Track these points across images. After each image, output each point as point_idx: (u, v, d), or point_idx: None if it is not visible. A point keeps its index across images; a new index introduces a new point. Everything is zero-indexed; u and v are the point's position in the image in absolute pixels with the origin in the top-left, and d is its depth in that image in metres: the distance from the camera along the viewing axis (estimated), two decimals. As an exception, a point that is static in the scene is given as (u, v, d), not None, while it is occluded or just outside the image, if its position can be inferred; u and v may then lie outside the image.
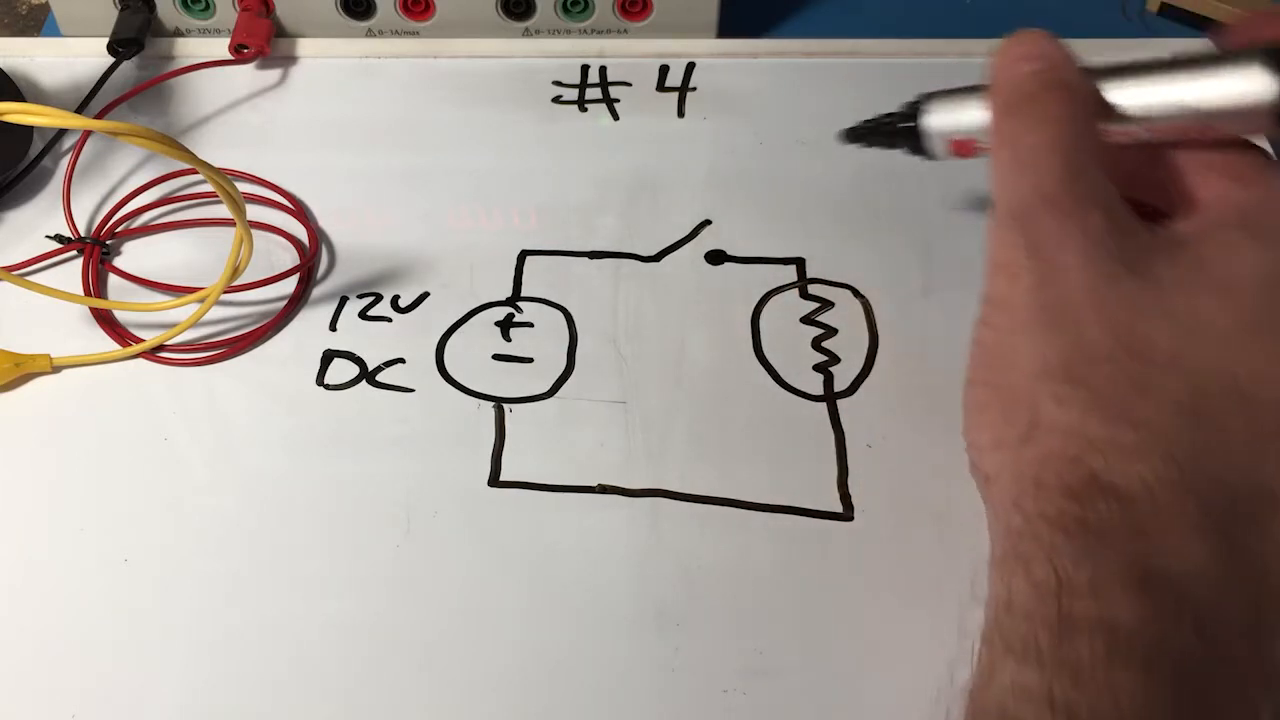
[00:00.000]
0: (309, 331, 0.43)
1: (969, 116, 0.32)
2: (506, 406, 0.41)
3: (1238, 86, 0.26)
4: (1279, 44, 0.26)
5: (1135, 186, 0.29)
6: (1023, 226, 0.26)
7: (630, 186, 0.48)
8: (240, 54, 0.52)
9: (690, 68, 0.52)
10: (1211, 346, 0.24)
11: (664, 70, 0.52)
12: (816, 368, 0.42)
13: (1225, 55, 0.27)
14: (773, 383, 0.41)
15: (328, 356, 0.43)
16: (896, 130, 0.33)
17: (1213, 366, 0.24)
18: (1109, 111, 0.27)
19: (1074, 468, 0.25)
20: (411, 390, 0.42)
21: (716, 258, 0.45)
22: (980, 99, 0.31)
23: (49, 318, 0.43)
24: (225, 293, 0.42)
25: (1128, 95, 0.28)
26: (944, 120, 0.32)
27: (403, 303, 0.44)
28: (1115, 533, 0.24)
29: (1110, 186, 0.26)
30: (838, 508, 0.38)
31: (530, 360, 0.42)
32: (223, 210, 0.47)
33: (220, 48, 0.52)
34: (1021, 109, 0.28)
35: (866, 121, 0.34)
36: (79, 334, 0.43)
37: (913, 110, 0.33)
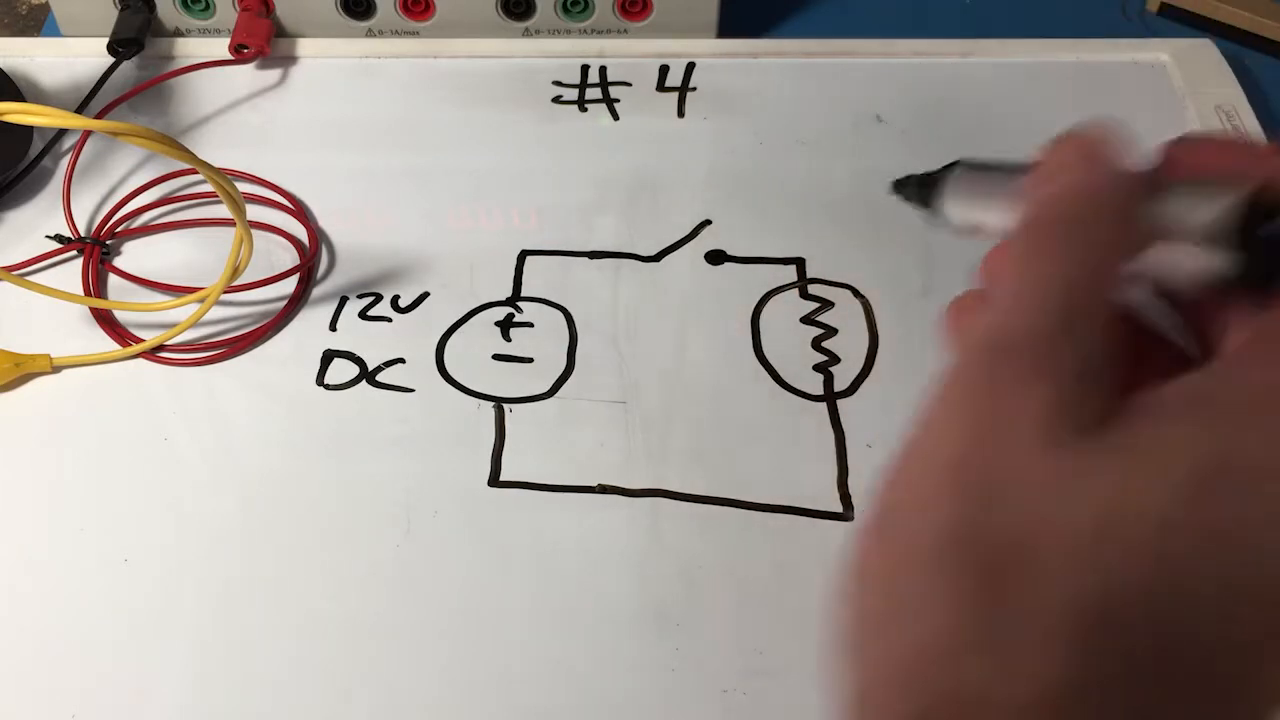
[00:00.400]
0: (309, 331, 0.43)
1: (990, 211, 0.28)
2: (506, 406, 0.41)
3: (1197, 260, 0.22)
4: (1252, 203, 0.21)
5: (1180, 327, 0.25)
6: (981, 363, 0.22)
7: (630, 186, 0.48)
8: (240, 54, 0.52)
9: (690, 68, 0.52)
10: (1132, 558, 0.20)
11: (664, 70, 0.52)
12: (816, 368, 0.42)
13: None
14: (773, 383, 0.41)
15: (328, 356, 0.43)
16: (925, 191, 0.29)
17: (1130, 581, 0.19)
18: (1145, 240, 0.23)
19: (932, 677, 0.21)
20: (411, 390, 0.42)
21: (716, 258, 0.45)
22: (1009, 191, 0.27)
23: (49, 318, 0.43)
24: (225, 293, 0.42)
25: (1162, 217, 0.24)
26: (964, 204, 0.28)
27: (403, 303, 0.44)
28: None
29: (1100, 341, 0.22)
30: (838, 508, 0.38)
31: (530, 360, 0.42)
32: (223, 210, 0.46)
33: (220, 48, 0.52)
34: (1038, 228, 0.23)
35: (912, 175, 0.30)
36: (79, 334, 0.43)
37: (938, 174, 0.30)
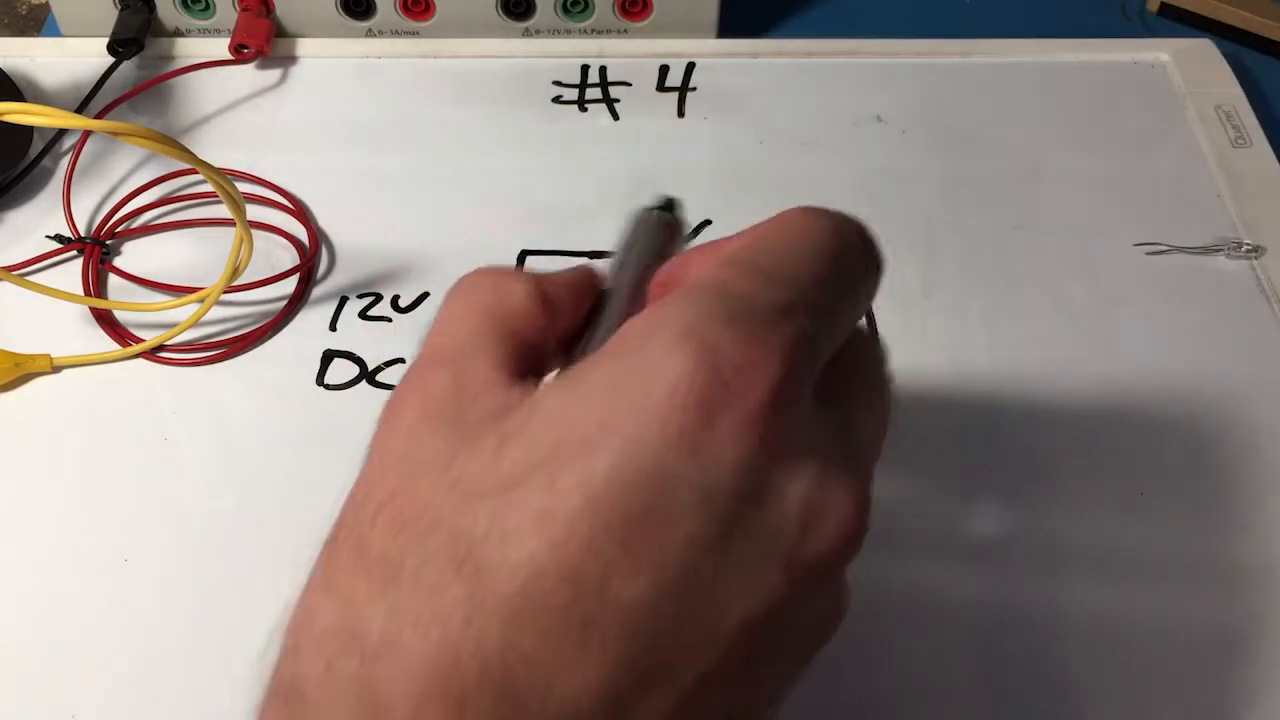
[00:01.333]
0: (309, 331, 0.43)
1: None
2: (506, 406, 0.41)
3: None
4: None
5: None
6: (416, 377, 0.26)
7: (630, 186, 0.48)
8: (240, 54, 0.52)
9: (690, 68, 0.52)
10: (464, 505, 0.21)
11: (664, 70, 0.52)
12: (816, 368, 0.42)
13: None
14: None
15: (328, 356, 0.43)
16: None
17: (457, 528, 0.20)
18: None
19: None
20: (411, 390, 0.41)
21: (716, 258, 0.45)
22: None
23: (49, 318, 0.43)
24: (225, 293, 0.42)
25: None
26: None
27: (403, 303, 0.44)
28: None
29: (486, 361, 0.25)
30: (838, 508, 0.38)
31: (530, 360, 0.42)
32: (223, 210, 0.46)
33: (220, 48, 0.52)
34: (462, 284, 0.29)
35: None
36: (79, 334, 0.43)
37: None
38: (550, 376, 0.25)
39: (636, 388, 0.20)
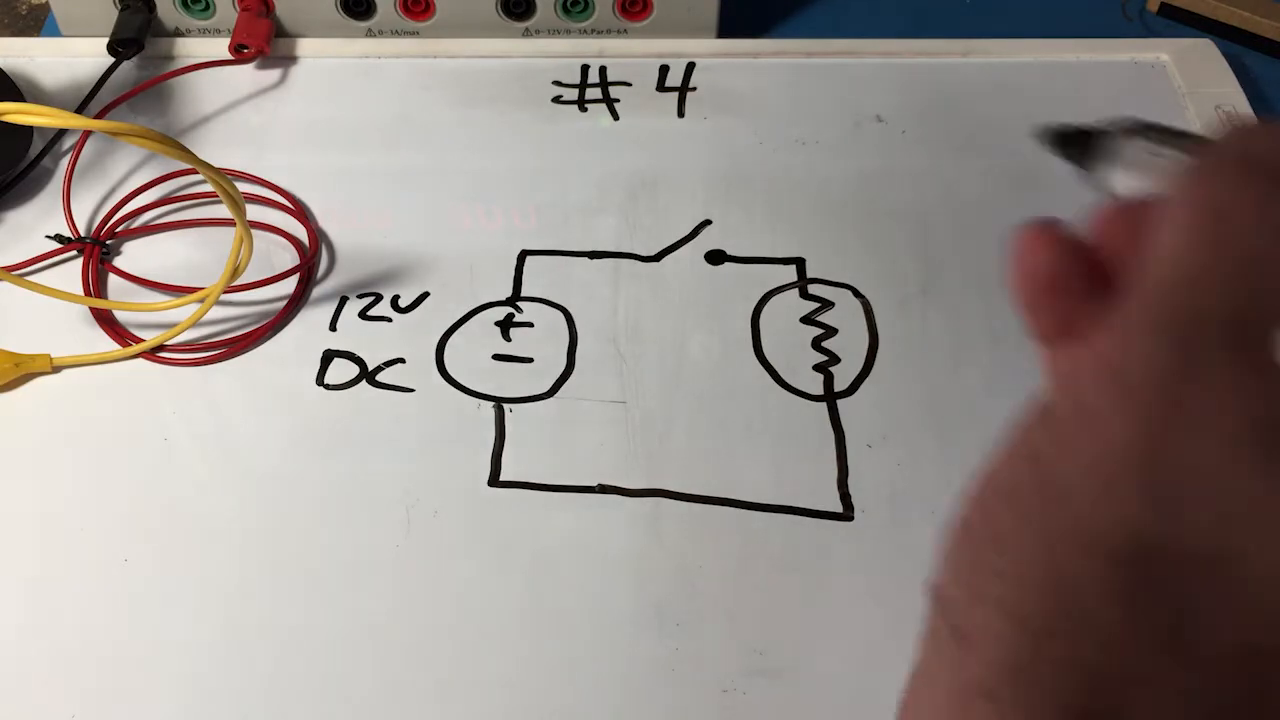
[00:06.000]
0: (309, 331, 0.43)
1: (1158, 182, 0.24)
2: (506, 406, 0.41)
3: None
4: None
5: None
6: (1180, 344, 0.18)
7: (630, 186, 0.48)
8: (240, 54, 0.52)
9: (690, 68, 0.52)
10: None
11: (664, 70, 0.52)
12: (816, 368, 0.42)
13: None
14: (773, 383, 0.41)
15: (328, 356, 0.43)
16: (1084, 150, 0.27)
17: None
18: None
19: (1095, 693, 0.18)
20: (411, 390, 0.42)
21: (716, 258, 0.45)
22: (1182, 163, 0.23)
23: (49, 318, 0.43)
24: (225, 293, 0.42)
25: None
26: (1136, 172, 0.25)
27: (403, 303, 0.44)
28: None
29: None
30: (838, 508, 0.38)
31: (530, 360, 0.42)
32: (223, 210, 0.46)
33: (220, 48, 0.52)
34: (1254, 188, 0.18)
35: (1073, 130, 0.27)
36: (79, 334, 0.43)
37: (1108, 134, 0.25)
38: None
39: None
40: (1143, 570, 0.18)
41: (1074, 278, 0.21)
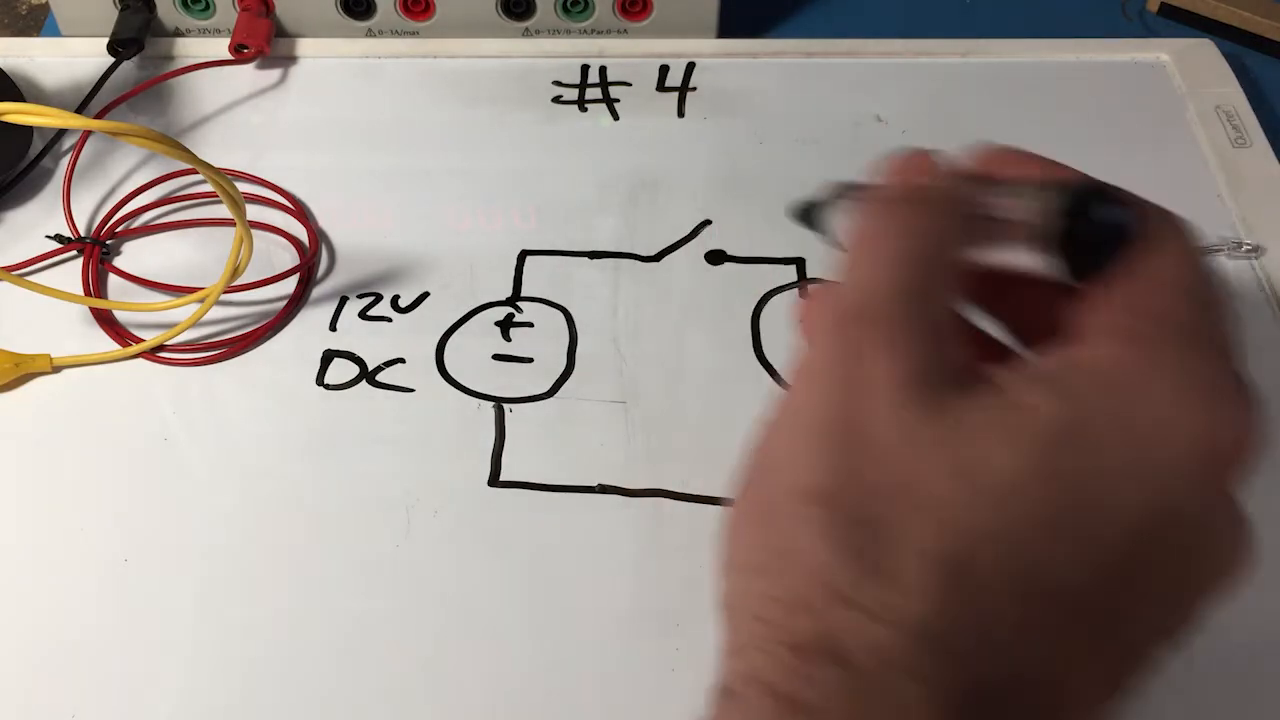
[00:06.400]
0: (309, 331, 0.43)
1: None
2: (506, 406, 0.41)
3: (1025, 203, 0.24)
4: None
5: (1009, 312, 0.27)
6: (840, 333, 0.23)
7: (630, 186, 0.48)
8: (240, 54, 0.52)
9: (690, 68, 0.52)
10: (990, 508, 0.21)
11: (664, 70, 0.52)
12: (816, 368, 0.42)
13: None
14: (773, 383, 0.41)
15: (328, 356, 0.43)
16: (814, 216, 0.31)
17: (989, 529, 0.21)
18: (979, 232, 0.25)
19: (806, 618, 0.21)
20: (411, 390, 0.42)
21: (716, 258, 0.45)
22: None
23: (49, 318, 0.43)
24: (225, 293, 0.42)
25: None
26: (838, 217, 0.30)
27: (403, 303, 0.44)
28: (829, 714, 0.20)
29: (946, 313, 0.24)
30: (838, 508, 0.38)
31: (530, 360, 0.42)
32: (223, 210, 0.46)
33: (220, 48, 0.52)
34: (878, 214, 0.25)
35: (809, 200, 0.31)
36: (79, 334, 0.43)
37: (821, 203, 0.31)
38: None
39: None
40: (833, 503, 0.22)
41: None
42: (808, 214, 0.31)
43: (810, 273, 0.45)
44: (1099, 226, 0.23)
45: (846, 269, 0.24)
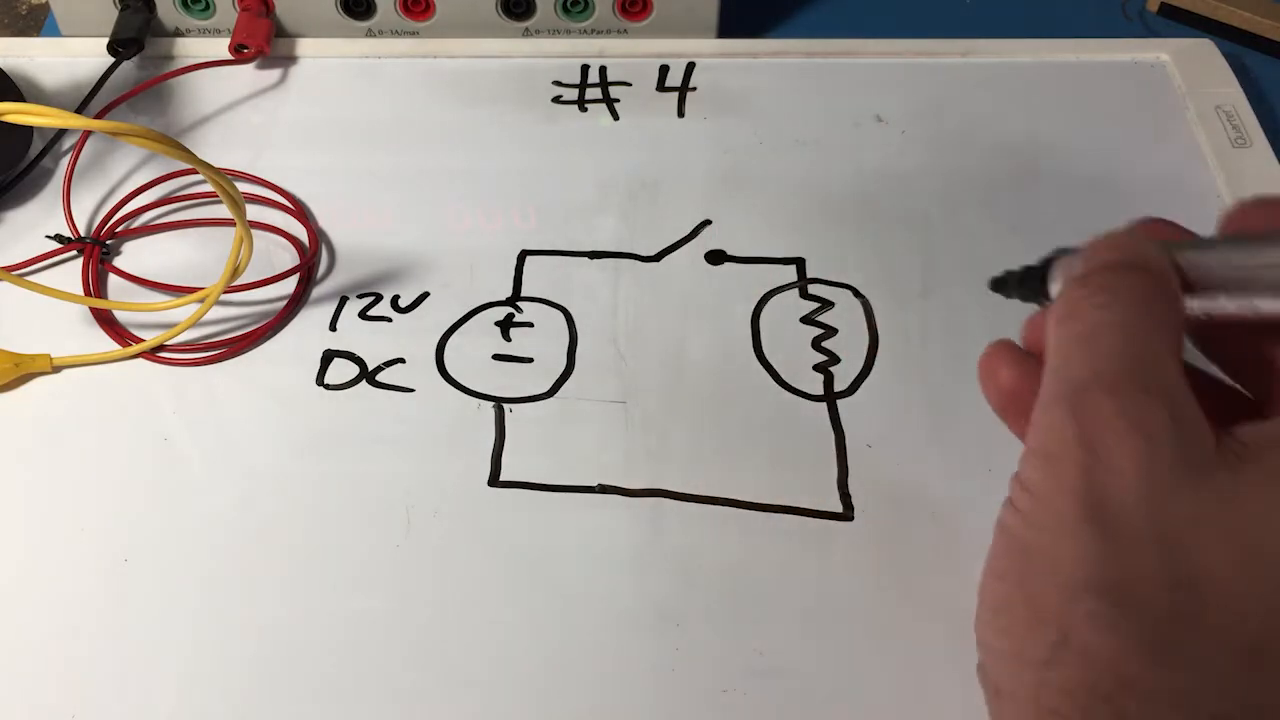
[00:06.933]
0: (309, 331, 0.43)
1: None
2: (506, 406, 0.41)
3: None
4: None
5: (1235, 371, 0.26)
6: (1074, 411, 0.22)
7: (630, 186, 0.48)
8: (240, 54, 0.52)
9: (690, 68, 0.52)
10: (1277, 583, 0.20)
11: (664, 70, 0.52)
12: (816, 368, 0.42)
13: None
14: (773, 383, 0.41)
15: (328, 356, 0.43)
16: (1029, 284, 0.30)
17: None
18: (1192, 288, 0.24)
19: (1102, 709, 0.21)
20: (411, 390, 0.42)
21: (716, 258, 0.45)
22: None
23: (49, 318, 0.43)
24: (225, 293, 0.42)
25: (1209, 264, 0.25)
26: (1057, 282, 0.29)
27: (403, 303, 0.44)
28: None
29: (1182, 379, 0.23)
30: (838, 508, 0.38)
31: (530, 360, 0.42)
32: (223, 210, 0.47)
33: (220, 48, 0.52)
34: (1091, 281, 0.24)
35: (1010, 272, 0.31)
36: (79, 334, 0.43)
37: (1044, 265, 0.30)
38: None
39: None
40: (1114, 596, 0.21)
41: (1026, 383, 0.26)
42: (1018, 286, 0.30)
43: (810, 273, 0.45)
44: None
45: (1058, 342, 0.24)
